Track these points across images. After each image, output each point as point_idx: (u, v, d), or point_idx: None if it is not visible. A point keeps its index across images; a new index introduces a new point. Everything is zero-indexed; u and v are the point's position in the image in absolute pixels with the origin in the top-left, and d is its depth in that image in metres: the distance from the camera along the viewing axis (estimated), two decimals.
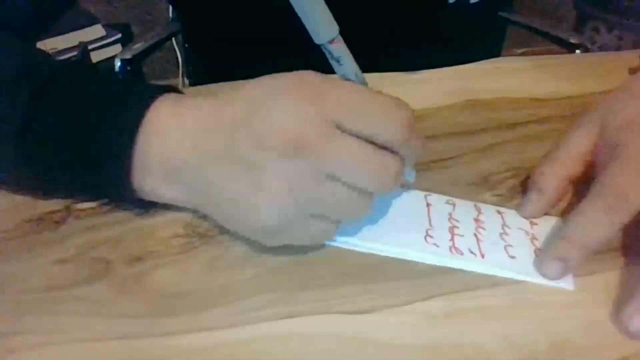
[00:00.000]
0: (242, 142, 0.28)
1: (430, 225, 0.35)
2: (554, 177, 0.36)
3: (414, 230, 0.34)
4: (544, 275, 0.32)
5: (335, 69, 0.30)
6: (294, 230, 0.30)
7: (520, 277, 0.32)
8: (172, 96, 0.33)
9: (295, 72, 0.29)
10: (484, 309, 0.30)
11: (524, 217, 0.36)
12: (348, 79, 0.31)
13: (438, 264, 0.32)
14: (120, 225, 0.34)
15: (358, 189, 0.29)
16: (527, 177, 0.38)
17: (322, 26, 0.28)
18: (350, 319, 0.29)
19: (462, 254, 0.33)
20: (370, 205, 0.30)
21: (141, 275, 0.31)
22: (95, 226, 0.34)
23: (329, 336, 0.28)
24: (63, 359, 0.27)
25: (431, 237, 0.34)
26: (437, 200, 0.37)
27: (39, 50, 0.38)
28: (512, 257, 0.33)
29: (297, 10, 0.28)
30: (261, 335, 0.28)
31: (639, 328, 0.28)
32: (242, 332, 0.28)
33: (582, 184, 0.37)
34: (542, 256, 0.32)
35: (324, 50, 0.30)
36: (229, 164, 0.29)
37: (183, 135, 0.31)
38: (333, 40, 0.29)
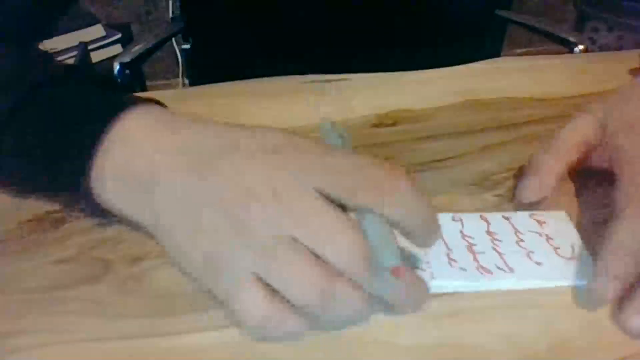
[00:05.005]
0: (251, 215, 0.26)
1: (449, 248, 0.33)
2: (549, 159, 0.36)
3: (435, 257, 0.32)
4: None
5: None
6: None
7: (551, 284, 0.31)
8: (152, 110, 0.31)
9: (290, 136, 0.29)
10: (484, 309, 0.30)
11: (522, 201, 0.35)
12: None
13: (477, 290, 0.31)
14: (120, 225, 0.34)
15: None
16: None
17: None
18: None
19: (491, 273, 0.31)
20: None
21: (141, 275, 0.31)
22: (95, 226, 0.34)
23: (328, 336, 0.28)
24: (63, 359, 0.27)
25: (455, 260, 0.32)
26: (443, 218, 0.35)
27: (36, 53, 0.38)
28: (539, 264, 0.32)
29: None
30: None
31: (638, 328, 0.28)
32: (241, 332, 0.28)
33: (580, 180, 0.37)
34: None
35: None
36: (222, 223, 0.27)
37: (156, 155, 0.29)
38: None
